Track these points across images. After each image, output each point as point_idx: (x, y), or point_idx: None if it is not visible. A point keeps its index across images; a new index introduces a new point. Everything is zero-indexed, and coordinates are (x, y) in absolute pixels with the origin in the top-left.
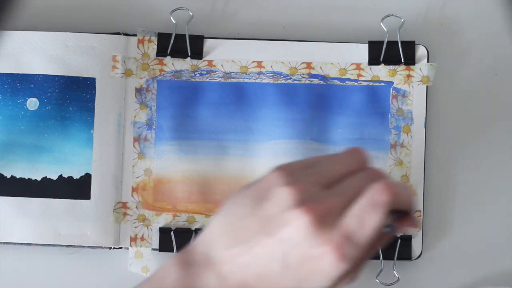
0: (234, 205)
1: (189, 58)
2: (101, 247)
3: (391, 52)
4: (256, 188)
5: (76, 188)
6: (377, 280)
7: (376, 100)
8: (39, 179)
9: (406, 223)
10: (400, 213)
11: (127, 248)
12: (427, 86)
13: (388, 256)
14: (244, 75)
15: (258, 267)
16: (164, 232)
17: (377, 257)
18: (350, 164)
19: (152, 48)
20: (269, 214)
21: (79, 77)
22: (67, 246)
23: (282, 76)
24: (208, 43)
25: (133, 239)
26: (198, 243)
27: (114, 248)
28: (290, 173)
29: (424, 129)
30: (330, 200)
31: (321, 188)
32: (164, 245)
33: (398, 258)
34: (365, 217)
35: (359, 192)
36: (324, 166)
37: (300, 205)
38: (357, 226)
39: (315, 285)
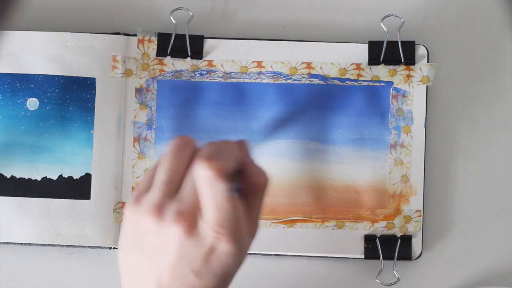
0: (125, 261)
1: (189, 58)
2: (101, 247)
3: (391, 52)
4: (128, 233)
5: (76, 188)
6: (377, 280)
7: (376, 100)
8: (39, 179)
9: (249, 178)
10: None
11: None
12: (427, 86)
13: (388, 256)
14: (244, 75)
15: None
16: None
17: (377, 257)
18: (183, 160)
19: (152, 48)
20: (152, 247)
21: (79, 77)
22: (67, 246)
23: (282, 76)
24: (208, 43)
25: None
26: None
27: (114, 248)
28: (135, 202)
29: (424, 129)
30: (185, 202)
31: (173, 197)
32: None
33: (398, 258)
34: (211, 201)
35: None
36: (166, 179)
37: (167, 222)
38: (214, 212)
39: (233, 266)
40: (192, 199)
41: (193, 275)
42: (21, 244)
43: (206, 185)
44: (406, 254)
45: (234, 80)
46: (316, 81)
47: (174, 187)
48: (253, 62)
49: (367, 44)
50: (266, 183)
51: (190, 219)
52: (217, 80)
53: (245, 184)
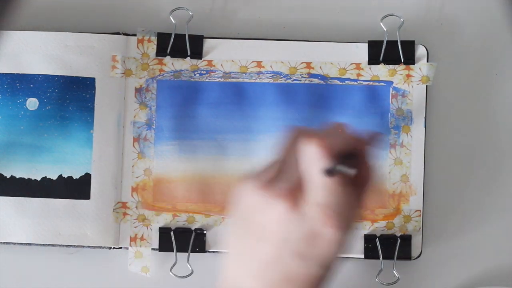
0: (232, 235)
1: (188, 58)
2: (101, 247)
3: (391, 51)
4: (238, 208)
5: (76, 188)
6: (377, 280)
7: (376, 99)
8: (38, 179)
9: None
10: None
11: (127, 248)
12: (426, 86)
13: (388, 255)
14: (244, 75)
15: (280, 273)
16: (164, 232)
17: (377, 257)
18: (297, 146)
19: (152, 48)
20: (257, 223)
21: (79, 77)
22: (67, 246)
23: (281, 76)
24: (207, 43)
25: (133, 239)
26: (225, 284)
27: (114, 248)
28: (248, 179)
29: (424, 128)
30: (294, 181)
31: (283, 177)
32: (164, 245)
33: (398, 258)
34: (320, 182)
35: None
36: (278, 160)
37: (274, 198)
38: (323, 193)
39: (335, 255)
40: (300, 178)
41: (297, 257)
42: (21, 244)
43: (313, 164)
44: (406, 253)
45: (234, 80)
46: (315, 80)
47: (284, 168)
48: (253, 62)
49: (367, 44)
50: (371, 178)
51: (297, 196)
52: (217, 80)
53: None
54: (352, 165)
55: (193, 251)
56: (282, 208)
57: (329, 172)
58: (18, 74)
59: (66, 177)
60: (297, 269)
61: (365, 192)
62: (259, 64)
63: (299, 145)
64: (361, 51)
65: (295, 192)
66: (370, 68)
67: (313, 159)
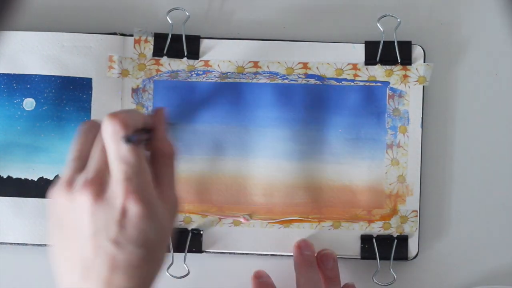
0: (52, 244)
1: (185, 58)
2: None
3: (388, 52)
4: (52, 216)
5: None
6: (373, 280)
7: (373, 100)
8: (35, 179)
9: (156, 142)
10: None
11: None
12: (423, 86)
13: (384, 256)
14: (241, 75)
15: (104, 264)
16: None
17: (374, 257)
18: (90, 138)
19: (149, 48)
20: (70, 223)
21: (76, 77)
22: None
23: (278, 76)
24: (204, 43)
25: None
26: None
27: None
28: (53, 188)
29: (421, 129)
30: (92, 170)
31: (82, 171)
32: None
33: (395, 258)
34: (115, 153)
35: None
36: (74, 157)
37: (76, 193)
38: (119, 164)
39: (150, 233)
40: (99, 165)
41: (112, 244)
42: (18, 244)
43: (110, 139)
44: (402, 254)
45: (231, 80)
46: (312, 81)
47: (82, 162)
48: (250, 62)
49: (364, 44)
50: (172, 153)
51: (97, 184)
52: (214, 80)
53: (152, 149)
54: (148, 136)
55: (190, 251)
56: (86, 199)
57: (127, 140)
58: (15, 74)
59: None
60: (118, 256)
61: (167, 168)
62: (255, 64)
63: (98, 129)
64: (358, 52)
65: (95, 180)
66: (367, 69)
67: (110, 133)
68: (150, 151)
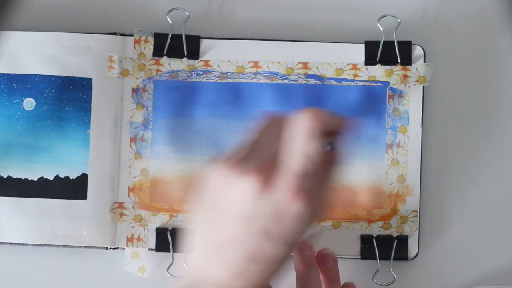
0: (197, 215)
1: (185, 58)
2: (98, 247)
3: (388, 52)
4: (205, 189)
5: (73, 188)
6: (373, 280)
7: (373, 100)
8: (35, 179)
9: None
10: (336, 134)
11: (124, 248)
12: (423, 86)
13: (384, 256)
14: (241, 75)
15: (247, 252)
16: (160, 232)
17: (374, 257)
18: (271, 131)
19: (149, 48)
20: (225, 202)
21: (76, 77)
22: (63, 246)
23: (278, 76)
24: (204, 43)
25: (130, 239)
26: (191, 266)
27: (110, 248)
28: (215, 161)
29: (421, 129)
30: (265, 160)
31: (254, 157)
32: (161, 245)
33: (395, 258)
34: (304, 150)
35: (281, 137)
36: (250, 142)
37: (244, 176)
38: (303, 161)
39: (300, 233)
40: (275, 155)
41: (264, 235)
42: (18, 244)
43: (305, 133)
44: (402, 254)
45: (231, 80)
46: (312, 81)
47: (256, 149)
48: (250, 62)
49: (364, 44)
50: (342, 162)
51: (269, 173)
52: (214, 80)
53: (334, 143)
54: (337, 144)
55: None
56: (251, 185)
57: (328, 146)
58: (15, 74)
59: (62, 177)
60: (262, 248)
61: (331, 177)
62: (255, 64)
63: (282, 123)
64: (358, 52)
65: (265, 169)
66: (367, 69)
67: (308, 128)
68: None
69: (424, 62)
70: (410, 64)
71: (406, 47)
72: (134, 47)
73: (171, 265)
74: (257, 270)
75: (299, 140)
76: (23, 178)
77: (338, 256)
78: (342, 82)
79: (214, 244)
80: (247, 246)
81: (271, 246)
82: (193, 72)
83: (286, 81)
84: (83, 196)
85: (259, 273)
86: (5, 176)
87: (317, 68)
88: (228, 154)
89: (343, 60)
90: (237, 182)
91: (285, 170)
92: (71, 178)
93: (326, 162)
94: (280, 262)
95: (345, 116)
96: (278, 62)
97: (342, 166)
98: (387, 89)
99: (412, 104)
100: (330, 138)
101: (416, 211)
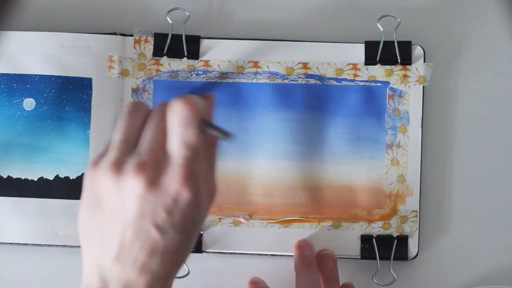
0: (84, 224)
1: (185, 58)
2: None
3: (388, 52)
4: (88, 196)
5: (73, 188)
6: (374, 280)
7: (373, 100)
8: (35, 179)
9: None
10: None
11: None
12: (423, 86)
13: (384, 256)
14: (241, 75)
15: (143, 248)
16: None
17: (374, 257)
18: (138, 120)
19: (149, 48)
20: (112, 205)
21: (76, 77)
22: (63, 246)
23: (278, 76)
24: (204, 43)
25: None
26: (87, 274)
27: None
28: (94, 165)
29: (421, 129)
30: (146, 154)
31: (131, 153)
32: None
33: (395, 258)
34: (183, 139)
35: (162, 130)
36: (122, 138)
37: (127, 176)
38: (183, 151)
39: (194, 221)
40: (154, 148)
41: (156, 230)
42: (18, 244)
43: (179, 122)
44: (402, 254)
45: (231, 80)
46: (312, 81)
47: (130, 144)
48: (250, 62)
49: (364, 44)
50: (216, 141)
51: (152, 169)
52: (214, 80)
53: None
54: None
55: None
56: (138, 184)
57: (204, 126)
58: (15, 74)
59: (62, 177)
60: (159, 241)
61: (213, 156)
62: (255, 64)
63: (145, 110)
64: (358, 52)
65: (150, 164)
66: (367, 69)
67: (181, 116)
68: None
69: (424, 62)
70: (410, 64)
71: (406, 47)
72: (134, 47)
73: None
74: (158, 263)
75: (175, 128)
76: (23, 178)
77: (338, 256)
78: (342, 82)
79: (107, 248)
80: (142, 243)
81: (166, 238)
82: (193, 72)
83: (286, 81)
84: None
85: (162, 265)
86: (5, 176)
87: (317, 68)
88: (102, 154)
89: (343, 60)
90: (122, 183)
91: (168, 162)
92: (71, 178)
93: (207, 146)
94: (182, 251)
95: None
96: (278, 62)
97: (218, 142)
98: (387, 89)
99: (412, 104)
100: (206, 123)
101: (416, 211)
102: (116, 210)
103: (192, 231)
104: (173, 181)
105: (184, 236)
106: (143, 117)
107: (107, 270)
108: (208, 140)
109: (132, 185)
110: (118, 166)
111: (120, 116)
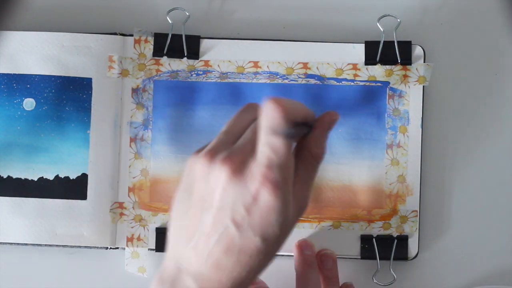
0: (175, 207)
1: (185, 58)
2: (98, 247)
3: (388, 52)
4: (184, 181)
5: (73, 188)
6: (374, 280)
7: (373, 100)
8: (35, 179)
9: (310, 141)
10: (304, 124)
11: (124, 248)
12: (423, 86)
13: (384, 256)
14: (241, 75)
15: (219, 243)
16: (160, 232)
17: (374, 257)
18: (246, 118)
19: (149, 48)
20: (200, 192)
21: (76, 77)
22: (63, 246)
23: (278, 76)
24: (204, 43)
25: (130, 239)
26: (167, 258)
27: (110, 248)
28: (198, 152)
29: (421, 129)
30: (238, 148)
31: (229, 146)
32: (161, 245)
33: (395, 258)
34: (268, 140)
35: (256, 133)
36: (226, 130)
37: (215, 165)
38: (267, 151)
39: (274, 227)
40: (246, 145)
41: (234, 225)
42: (17, 244)
43: (267, 125)
44: (402, 254)
45: (231, 80)
46: (312, 81)
47: (231, 138)
48: (250, 62)
49: (364, 44)
50: (321, 157)
51: (238, 162)
52: (214, 80)
53: (304, 147)
54: (306, 131)
55: None
56: (224, 174)
57: (285, 134)
58: (15, 74)
59: (62, 177)
60: (234, 239)
61: (310, 169)
62: (255, 64)
63: (257, 111)
64: (358, 52)
65: (237, 157)
66: (367, 69)
67: (269, 119)
68: (300, 145)
69: (424, 62)
70: (410, 64)
71: (406, 47)
72: (134, 47)
73: None
74: (232, 262)
75: (263, 130)
76: (23, 178)
77: (338, 256)
78: (342, 82)
79: (189, 236)
80: (219, 237)
81: (243, 237)
82: (193, 72)
83: (286, 81)
84: (83, 196)
85: (236, 265)
86: (5, 176)
87: (317, 68)
88: (209, 144)
89: (343, 60)
90: (212, 172)
91: (255, 160)
92: (71, 178)
93: (304, 157)
94: (260, 257)
95: (315, 111)
96: (278, 62)
97: (318, 161)
98: (387, 89)
99: (412, 104)
100: (300, 129)
101: (416, 211)
102: (202, 198)
103: (272, 238)
104: (255, 178)
105: (262, 241)
106: (252, 117)
107: (184, 257)
108: (311, 150)
109: (217, 174)
110: (212, 154)
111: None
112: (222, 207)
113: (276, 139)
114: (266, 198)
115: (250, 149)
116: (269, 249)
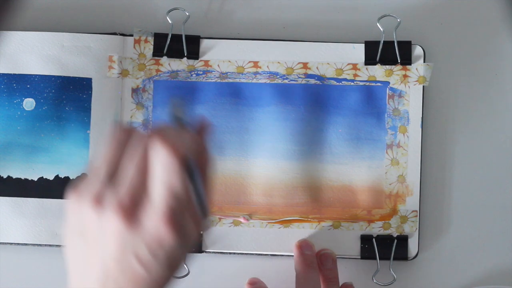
0: (71, 253)
1: (185, 58)
2: None
3: (388, 52)
4: (72, 222)
5: None
6: (374, 280)
7: (373, 100)
8: (35, 179)
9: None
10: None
11: None
12: (423, 86)
13: (384, 256)
14: (241, 75)
15: (129, 283)
16: None
17: (374, 257)
18: (121, 148)
19: (149, 48)
20: (95, 238)
21: (76, 77)
22: (63, 246)
23: (278, 76)
24: (204, 43)
25: None
26: None
27: None
28: (77, 193)
29: (421, 129)
30: (125, 190)
31: (112, 184)
32: None
33: (395, 258)
34: (165, 183)
35: (144, 163)
36: (103, 165)
37: (106, 212)
38: (165, 194)
39: (181, 259)
40: (135, 185)
41: (140, 266)
42: (17, 244)
43: (163, 167)
44: (402, 254)
45: (231, 80)
46: (312, 81)
47: (113, 175)
48: (249, 62)
49: (364, 44)
50: (210, 166)
51: (131, 208)
52: (214, 80)
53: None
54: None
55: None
56: (118, 223)
57: (186, 171)
58: (15, 74)
59: (62, 177)
60: (145, 276)
61: (206, 184)
62: (255, 64)
63: (146, 146)
64: (358, 52)
65: (129, 203)
66: (366, 69)
67: (164, 161)
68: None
69: (424, 62)
70: (410, 64)
71: (406, 47)
72: (134, 47)
73: None
74: None
75: (158, 172)
76: (23, 178)
77: (338, 256)
78: (342, 82)
79: (96, 273)
80: (129, 276)
81: (153, 275)
82: (193, 72)
83: (286, 81)
84: None
85: None
86: (5, 176)
87: (317, 68)
88: (87, 182)
89: (343, 60)
90: (102, 217)
91: (149, 200)
92: (71, 178)
93: (193, 187)
94: (161, 283)
95: (192, 127)
96: (278, 62)
97: (212, 168)
98: (387, 89)
99: (412, 104)
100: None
101: (416, 211)
102: (99, 242)
103: (179, 263)
104: (154, 222)
105: (170, 271)
106: (129, 144)
107: None
108: (200, 163)
109: (111, 221)
110: (99, 199)
111: (114, 129)
112: (123, 251)
113: (174, 181)
114: (169, 240)
115: (138, 188)
116: (175, 271)
